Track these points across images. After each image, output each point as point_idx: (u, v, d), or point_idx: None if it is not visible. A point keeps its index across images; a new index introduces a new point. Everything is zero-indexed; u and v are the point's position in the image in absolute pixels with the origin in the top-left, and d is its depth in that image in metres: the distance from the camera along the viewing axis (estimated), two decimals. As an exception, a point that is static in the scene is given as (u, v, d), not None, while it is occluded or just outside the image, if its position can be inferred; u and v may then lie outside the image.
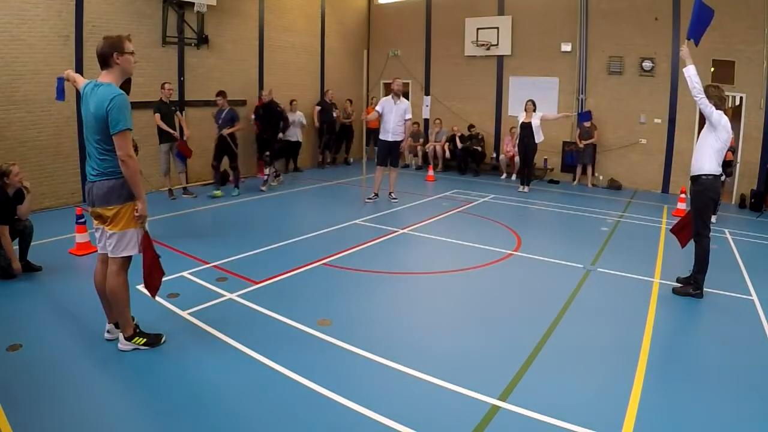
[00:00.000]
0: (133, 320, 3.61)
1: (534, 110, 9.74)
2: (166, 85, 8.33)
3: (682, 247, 5.15)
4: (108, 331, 3.66)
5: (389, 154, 8.56)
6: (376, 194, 8.69)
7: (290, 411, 2.91)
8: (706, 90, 4.63)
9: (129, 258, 3.44)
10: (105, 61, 3.25)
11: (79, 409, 2.88)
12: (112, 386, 3.13)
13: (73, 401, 2.95)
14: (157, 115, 8.11)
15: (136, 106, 8.53)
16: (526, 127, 9.68)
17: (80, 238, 5.60)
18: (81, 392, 3.05)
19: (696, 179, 4.76)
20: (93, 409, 2.90)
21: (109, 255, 3.39)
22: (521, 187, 10.08)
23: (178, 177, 8.72)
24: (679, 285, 4.87)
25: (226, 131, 8.55)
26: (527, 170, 10.10)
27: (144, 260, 3.48)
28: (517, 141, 10.16)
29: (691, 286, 4.74)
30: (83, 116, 3.31)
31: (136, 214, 3.32)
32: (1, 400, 2.87)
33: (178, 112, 8.81)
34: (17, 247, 4.91)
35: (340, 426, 2.80)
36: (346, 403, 2.97)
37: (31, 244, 5.06)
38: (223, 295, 4.52)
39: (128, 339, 3.50)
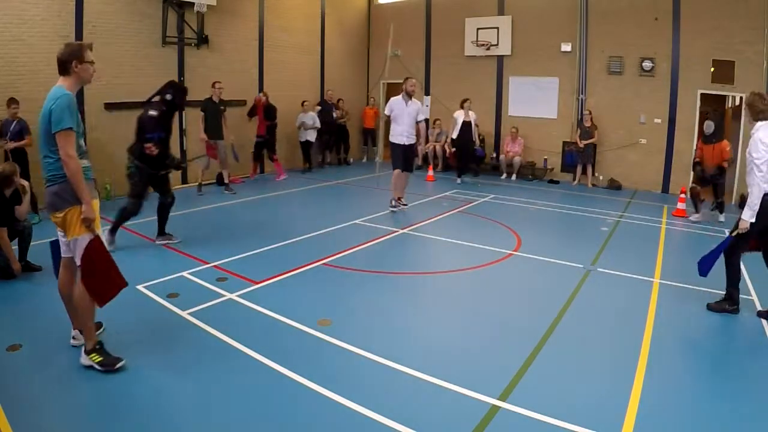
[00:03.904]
0: (102, 326, 3.64)
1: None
2: (217, 84, 8.65)
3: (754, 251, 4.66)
4: (73, 337, 3.56)
5: (405, 158, 7.87)
6: (399, 198, 8.07)
7: (290, 411, 2.91)
8: (747, 98, 4.32)
9: None
10: (64, 67, 3.23)
11: (78, 409, 2.88)
12: (111, 386, 3.12)
13: (73, 401, 2.95)
14: (202, 114, 8.65)
15: (136, 106, 8.70)
16: (467, 125, 10.51)
17: (80, 238, 5.59)
18: (81, 392, 3.05)
19: (746, 197, 4.35)
20: (93, 409, 2.90)
21: (76, 262, 3.25)
22: (458, 179, 10.81)
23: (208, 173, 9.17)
24: (715, 302, 4.55)
25: (11, 145, 6.74)
26: (464, 163, 10.93)
27: (84, 266, 3.20)
28: (457, 136, 10.70)
29: (726, 302, 4.47)
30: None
31: (81, 217, 3.16)
32: (1, 400, 2.86)
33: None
34: (16, 247, 4.91)
35: (340, 426, 2.79)
36: (345, 403, 2.96)
37: (31, 244, 5.05)
38: (223, 295, 4.51)
39: (87, 353, 3.29)
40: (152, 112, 5.64)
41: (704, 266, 4.51)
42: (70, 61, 3.21)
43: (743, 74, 9.13)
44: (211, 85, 8.88)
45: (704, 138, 7.63)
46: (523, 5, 11.56)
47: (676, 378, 3.43)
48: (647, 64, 10.16)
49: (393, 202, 8.01)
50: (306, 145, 11.53)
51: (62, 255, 3.45)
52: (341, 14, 13.21)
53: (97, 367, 3.23)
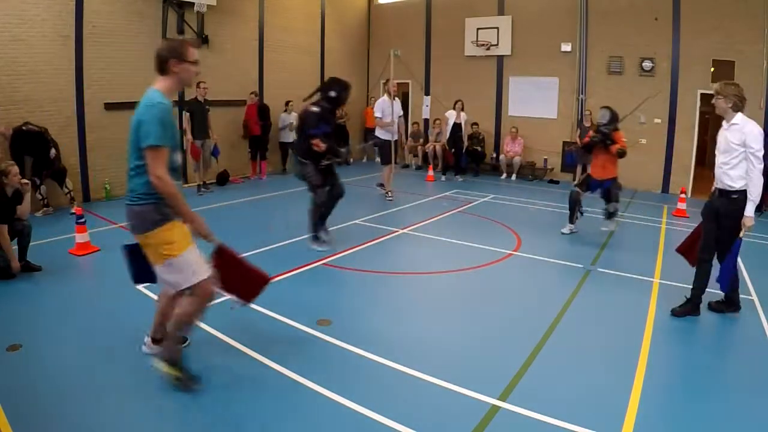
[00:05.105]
0: (188, 341, 3.49)
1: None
2: (201, 84, 8.66)
3: (693, 265, 4.52)
4: (145, 344, 3.44)
5: (392, 152, 8.86)
6: (391, 191, 8.92)
7: (289, 411, 2.91)
8: (725, 88, 4.11)
9: (198, 289, 2.92)
10: (161, 66, 2.89)
11: (78, 409, 2.88)
12: (110, 386, 3.13)
13: (73, 401, 2.94)
14: (187, 114, 8.69)
15: (136, 106, 8.72)
16: (458, 127, 10.88)
17: (80, 238, 5.60)
18: (80, 392, 3.04)
19: (727, 194, 4.09)
20: (92, 409, 2.89)
21: (172, 291, 2.98)
22: (460, 177, 11.07)
23: (204, 173, 9.20)
24: (715, 301, 4.46)
25: None
26: (456, 163, 11.25)
27: (223, 276, 3.04)
28: (448, 137, 11.07)
29: (725, 304, 4.38)
30: None
31: (196, 232, 2.94)
32: (0, 400, 2.86)
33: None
34: (16, 247, 4.91)
35: (340, 426, 2.79)
36: (345, 403, 2.97)
37: (31, 244, 5.06)
38: (223, 295, 4.50)
39: (165, 361, 3.06)
40: (314, 109, 5.65)
41: (723, 280, 4.20)
42: (168, 59, 2.86)
43: (743, 74, 9.10)
44: (196, 85, 8.75)
45: (598, 128, 6.73)
46: (523, 5, 11.56)
47: (676, 378, 3.43)
48: (647, 64, 10.16)
49: (390, 194, 8.82)
50: (293, 147, 11.39)
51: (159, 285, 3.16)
52: (341, 14, 13.21)
53: (172, 381, 3.03)
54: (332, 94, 5.67)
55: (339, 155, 5.84)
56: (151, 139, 2.71)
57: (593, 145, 6.68)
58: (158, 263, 2.88)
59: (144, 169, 2.76)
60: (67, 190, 7.59)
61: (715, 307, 4.46)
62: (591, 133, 6.83)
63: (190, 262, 2.87)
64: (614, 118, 6.65)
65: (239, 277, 3.18)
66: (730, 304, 4.42)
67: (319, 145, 5.49)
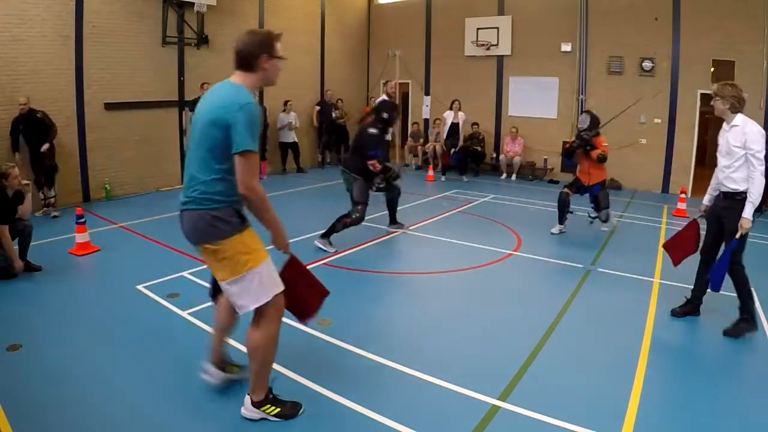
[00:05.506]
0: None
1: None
2: (205, 85, 8.79)
3: (675, 265, 4.58)
4: (205, 371, 3.04)
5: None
6: None
7: (290, 411, 2.91)
8: (723, 89, 4.02)
9: (274, 304, 2.61)
10: (248, 62, 2.52)
11: (78, 409, 2.88)
12: (110, 386, 3.13)
13: (73, 402, 2.94)
14: (189, 114, 8.82)
15: (136, 106, 8.71)
16: (456, 126, 11.18)
17: (80, 238, 5.60)
18: (80, 392, 3.04)
19: (732, 196, 3.99)
20: (92, 409, 2.89)
21: (242, 311, 2.62)
22: (465, 177, 11.07)
23: None
24: (731, 327, 4.06)
25: None
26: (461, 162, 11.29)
27: (290, 291, 2.71)
28: (445, 137, 11.37)
29: (743, 321, 4.05)
30: (193, 121, 2.60)
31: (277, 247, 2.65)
32: (1, 400, 2.86)
33: None
34: (16, 247, 4.91)
35: (339, 425, 2.80)
36: (344, 403, 2.97)
37: (31, 243, 5.06)
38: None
39: (256, 405, 2.76)
40: (373, 130, 5.96)
41: (715, 280, 4.07)
42: (257, 55, 2.52)
43: (743, 74, 9.11)
44: (200, 86, 8.90)
45: (578, 134, 6.72)
46: (523, 5, 11.56)
47: (676, 378, 3.44)
48: (647, 64, 10.16)
49: None
50: (292, 147, 11.39)
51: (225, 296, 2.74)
52: (341, 14, 13.21)
53: (271, 419, 2.75)
54: (385, 115, 6.03)
55: (391, 172, 6.27)
56: (247, 144, 2.36)
57: (573, 151, 6.74)
58: (231, 277, 2.51)
59: (221, 174, 2.46)
60: (53, 194, 7.41)
61: (731, 332, 4.05)
62: (572, 138, 6.85)
63: (266, 275, 2.56)
64: (594, 124, 6.65)
65: (303, 291, 2.90)
66: (748, 317, 4.07)
67: (376, 165, 5.87)
